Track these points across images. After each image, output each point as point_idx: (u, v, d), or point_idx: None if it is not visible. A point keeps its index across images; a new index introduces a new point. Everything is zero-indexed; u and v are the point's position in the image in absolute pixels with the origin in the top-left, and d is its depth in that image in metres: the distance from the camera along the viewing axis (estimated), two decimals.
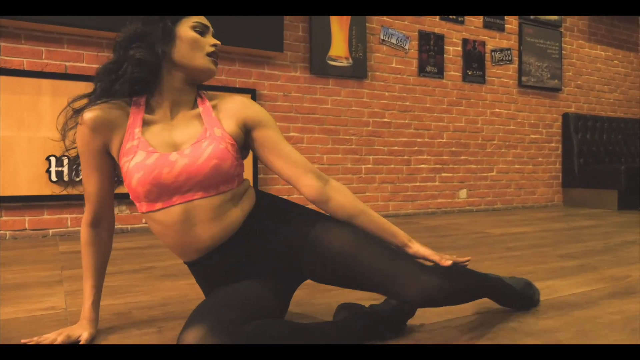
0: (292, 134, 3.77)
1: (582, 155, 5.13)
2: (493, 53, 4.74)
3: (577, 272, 2.01)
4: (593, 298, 1.62)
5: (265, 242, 1.18)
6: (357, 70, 3.96)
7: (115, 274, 1.99)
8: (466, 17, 4.56)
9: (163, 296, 1.64)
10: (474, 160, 4.66)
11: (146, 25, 1.17)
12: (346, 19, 3.89)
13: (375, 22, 4.10)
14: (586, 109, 5.43)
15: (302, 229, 1.18)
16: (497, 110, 4.79)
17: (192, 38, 1.18)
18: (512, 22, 4.86)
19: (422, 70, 4.32)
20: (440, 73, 4.41)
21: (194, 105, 1.22)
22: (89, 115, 1.13)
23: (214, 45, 1.21)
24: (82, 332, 1.21)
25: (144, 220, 3.27)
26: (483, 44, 4.67)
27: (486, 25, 4.69)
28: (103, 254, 1.26)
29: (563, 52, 5.19)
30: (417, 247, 1.20)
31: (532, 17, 4.93)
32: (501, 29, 4.78)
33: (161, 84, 1.19)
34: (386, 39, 4.14)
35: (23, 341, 1.16)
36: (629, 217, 4.09)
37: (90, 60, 3.12)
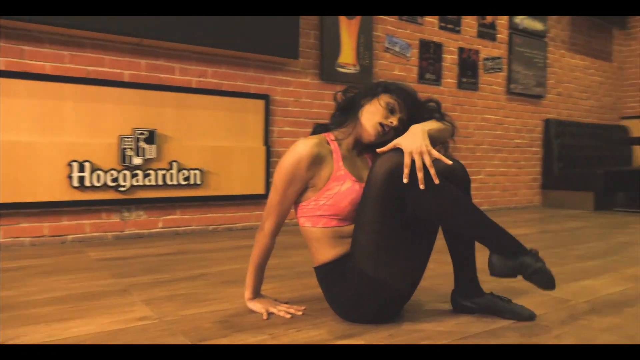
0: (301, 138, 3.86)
1: (561, 159, 5.44)
2: (485, 61, 4.96)
3: (602, 272, 2.22)
4: (632, 296, 1.82)
5: None
6: (364, 77, 4.08)
7: (176, 281, 2.04)
8: (462, 27, 4.76)
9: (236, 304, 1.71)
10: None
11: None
12: (355, 28, 4.00)
13: (381, 31, 4.23)
14: (565, 115, 5.75)
15: None
16: (487, 116, 5.03)
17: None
18: (502, 32, 5.10)
19: (421, 77, 4.49)
20: (438, 80, 4.59)
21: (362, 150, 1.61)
22: (310, 150, 1.47)
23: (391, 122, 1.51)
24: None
25: (160, 225, 3.30)
26: (477, 52, 4.88)
27: (480, 35, 4.90)
28: (267, 258, 1.61)
29: (547, 61, 5.47)
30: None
31: (520, 27, 5.18)
32: (493, 38, 5.01)
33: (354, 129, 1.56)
34: (390, 47, 4.28)
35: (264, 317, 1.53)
36: (609, 218, 4.41)
37: (112, 65, 3.12)
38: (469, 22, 4.84)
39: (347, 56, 3.99)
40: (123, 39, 3.09)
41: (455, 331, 1.44)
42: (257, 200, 3.62)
